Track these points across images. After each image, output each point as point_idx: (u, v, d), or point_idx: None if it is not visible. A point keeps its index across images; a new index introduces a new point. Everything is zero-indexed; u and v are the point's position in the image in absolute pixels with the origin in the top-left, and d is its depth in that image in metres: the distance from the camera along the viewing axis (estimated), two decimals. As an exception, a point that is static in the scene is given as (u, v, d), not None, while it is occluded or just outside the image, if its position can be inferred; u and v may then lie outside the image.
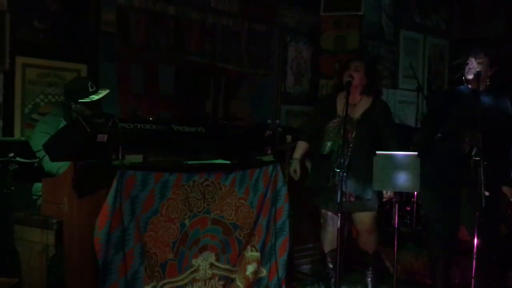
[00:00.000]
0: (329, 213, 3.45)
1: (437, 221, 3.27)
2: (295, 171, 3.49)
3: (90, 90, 3.05)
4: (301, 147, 3.55)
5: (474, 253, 2.93)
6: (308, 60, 5.52)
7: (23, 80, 3.66)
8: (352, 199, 3.37)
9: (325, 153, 3.33)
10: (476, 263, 2.93)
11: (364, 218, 3.45)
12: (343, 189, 3.31)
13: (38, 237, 2.56)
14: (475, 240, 2.93)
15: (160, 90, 4.51)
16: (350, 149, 3.33)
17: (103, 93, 3.08)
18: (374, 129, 3.38)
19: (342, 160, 3.14)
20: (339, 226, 3.09)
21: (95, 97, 3.03)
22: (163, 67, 4.51)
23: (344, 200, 3.35)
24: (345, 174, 3.13)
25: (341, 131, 3.22)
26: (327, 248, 3.56)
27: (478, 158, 2.95)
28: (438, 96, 3.47)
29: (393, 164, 3.04)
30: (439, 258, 3.28)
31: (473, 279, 2.94)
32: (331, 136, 3.35)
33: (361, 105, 3.42)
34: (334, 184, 3.31)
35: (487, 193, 2.86)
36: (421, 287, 3.87)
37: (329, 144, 3.35)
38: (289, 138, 3.55)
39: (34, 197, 2.95)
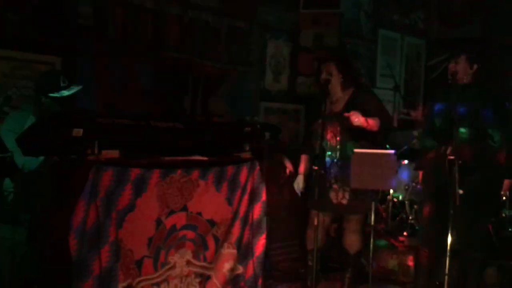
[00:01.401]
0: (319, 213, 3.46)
1: (427, 223, 3.32)
2: (298, 184, 3.57)
3: (62, 85, 3.03)
4: (305, 161, 3.63)
5: (448, 251, 2.97)
6: (287, 57, 5.53)
7: (-5, 73, 3.59)
8: (345, 201, 3.39)
9: (317, 153, 3.37)
10: (450, 261, 2.97)
11: (350, 217, 3.49)
12: (338, 186, 3.36)
13: (8, 233, 2.50)
14: (449, 238, 2.97)
15: (138, 85, 4.46)
16: (339, 143, 3.38)
17: (74, 89, 3.06)
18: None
19: (321, 158, 3.17)
20: (315, 223, 3.11)
21: (65, 93, 3.02)
22: (141, 62, 4.46)
23: (335, 201, 3.39)
24: (322, 171, 3.15)
25: (320, 131, 3.26)
26: (311, 246, 3.57)
27: (453, 157, 3.00)
28: (427, 110, 3.53)
29: (370, 162, 3.07)
30: (424, 258, 3.32)
31: (446, 276, 2.98)
32: (317, 136, 3.39)
33: (341, 99, 3.49)
34: (331, 182, 3.37)
35: (461, 191, 2.91)
36: (396, 285, 3.93)
37: (318, 143, 3.40)
38: (267, 135, 3.56)
39: (5, 193, 2.89)
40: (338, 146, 3.40)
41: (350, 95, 3.49)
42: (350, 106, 3.44)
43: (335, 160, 3.41)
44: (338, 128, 3.41)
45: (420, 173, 3.58)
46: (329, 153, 3.44)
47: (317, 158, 3.29)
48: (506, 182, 3.38)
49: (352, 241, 3.54)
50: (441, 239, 3.13)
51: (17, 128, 2.68)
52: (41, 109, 2.99)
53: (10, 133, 2.67)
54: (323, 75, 3.48)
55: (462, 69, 3.25)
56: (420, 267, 3.38)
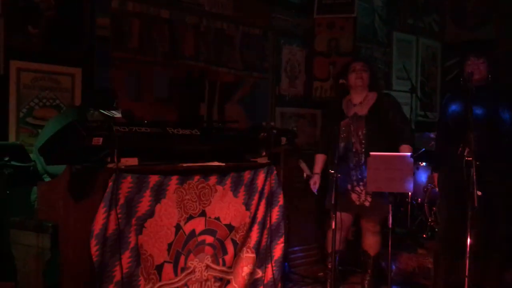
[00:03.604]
0: (339, 215, 3.47)
1: (443, 222, 3.32)
2: (314, 184, 3.61)
3: (114, 105, 3.23)
4: (320, 160, 3.68)
5: (467, 253, 2.95)
6: (302, 62, 5.55)
7: (17, 84, 3.67)
8: (367, 203, 3.41)
9: (340, 154, 3.40)
10: (470, 263, 2.95)
11: (370, 219, 3.49)
12: (360, 189, 3.38)
13: (33, 241, 2.56)
14: (468, 240, 2.95)
15: (155, 93, 4.52)
16: (363, 147, 3.39)
17: (118, 114, 3.22)
18: (384, 123, 3.45)
19: (336, 161, 3.18)
20: (333, 227, 3.12)
21: (116, 114, 3.15)
22: (158, 71, 4.52)
23: (358, 203, 3.41)
24: (339, 175, 3.15)
25: (346, 132, 3.28)
26: (331, 248, 3.58)
27: (470, 158, 2.98)
28: (442, 105, 3.57)
29: (386, 165, 3.07)
30: (443, 260, 3.31)
31: (466, 279, 2.96)
32: (342, 137, 3.43)
33: (367, 102, 3.50)
34: (353, 185, 3.39)
35: (479, 193, 2.89)
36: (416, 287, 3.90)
37: (342, 145, 3.43)
38: (283, 140, 3.58)
39: (33, 203, 2.96)
40: (363, 149, 3.41)
41: (376, 99, 3.50)
42: (376, 110, 3.46)
43: (360, 162, 3.42)
44: (364, 131, 3.42)
45: (435, 175, 3.56)
46: (351, 155, 3.45)
47: (339, 159, 3.31)
48: None
49: (372, 243, 3.54)
50: (460, 240, 3.11)
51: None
52: (87, 118, 3.17)
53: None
54: (356, 75, 3.46)
55: (478, 70, 3.25)
56: (439, 269, 3.35)
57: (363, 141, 3.42)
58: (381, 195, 3.36)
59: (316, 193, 3.65)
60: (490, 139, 3.20)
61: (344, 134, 3.45)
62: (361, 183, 3.41)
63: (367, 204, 3.42)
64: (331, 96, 5.25)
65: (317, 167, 3.67)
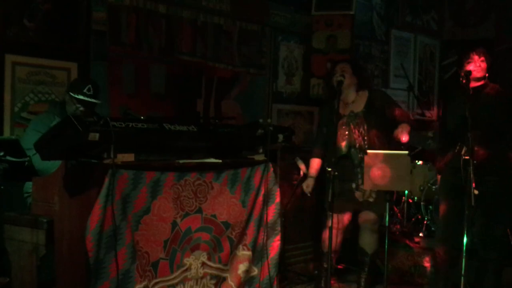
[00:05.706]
0: (335, 214, 3.47)
1: (442, 223, 3.31)
2: (307, 186, 3.60)
3: (85, 91, 3.18)
4: (315, 164, 3.65)
5: (464, 252, 2.95)
6: (300, 59, 5.53)
7: (12, 79, 3.64)
8: (372, 199, 3.42)
9: (343, 154, 3.40)
10: (468, 262, 2.95)
11: (369, 216, 3.50)
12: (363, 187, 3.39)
13: (28, 236, 2.54)
14: (465, 239, 2.95)
15: (151, 89, 4.50)
16: (366, 142, 3.40)
17: (93, 100, 3.18)
18: (380, 118, 3.48)
19: (333, 159, 3.17)
20: (330, 225, 3.11)
21: (81, 97, 3.13)
22: (154, 66, 4.50)
23: (362, 199, 3.42)
24: (336, 173, 3.15)
25: (347, 131, 3.29)
26: (326, 248, 3.57)
27: (468, 157, 2.98)
28: (443, 105, 3.57)
29: (383, 163, 3.06)
30: (442, 260, 3.30)
31: (462, 277, 2.96)
32: (344, 136, 3.44)
33: (360, 99, 3.54)
34: (357, 184, 3.39)
35: (476, 192, 2.89)
36: (412, 286, 3.91)
37: (343, 144, 3.44)
38: (280, 137, 3.57)
39: (25, 195, 2.94)
40: (366, 145, 3.42)
41: (368, 96, 3.54)
42: (371, 107, 3.50)
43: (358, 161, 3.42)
44: (366, 127, 3.43)
45: (439, 176, 3.53)
46: (355, 152, 3.45)
47: (340, 158, 3.31)
48: None
49: (370, 241, 3.55)
50: (458, 238, 3.11)
51: (43, 129, 2.75)
52: (64, 109, 3.18)
53: (36, 134, 2.74)
54: (337, 76, 3.49)
55: (480, 68, 3.23)
56: (437, 268, 3.35)
57: (365, 137, 3.43)
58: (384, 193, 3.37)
59: (309, 195, 3.67)
60: (490, 139, 3.19)
61: (346, 132, 3.45)
62: None
63: (371, 200, 3.45)
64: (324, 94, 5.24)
65: (312, 171, 3.66)
